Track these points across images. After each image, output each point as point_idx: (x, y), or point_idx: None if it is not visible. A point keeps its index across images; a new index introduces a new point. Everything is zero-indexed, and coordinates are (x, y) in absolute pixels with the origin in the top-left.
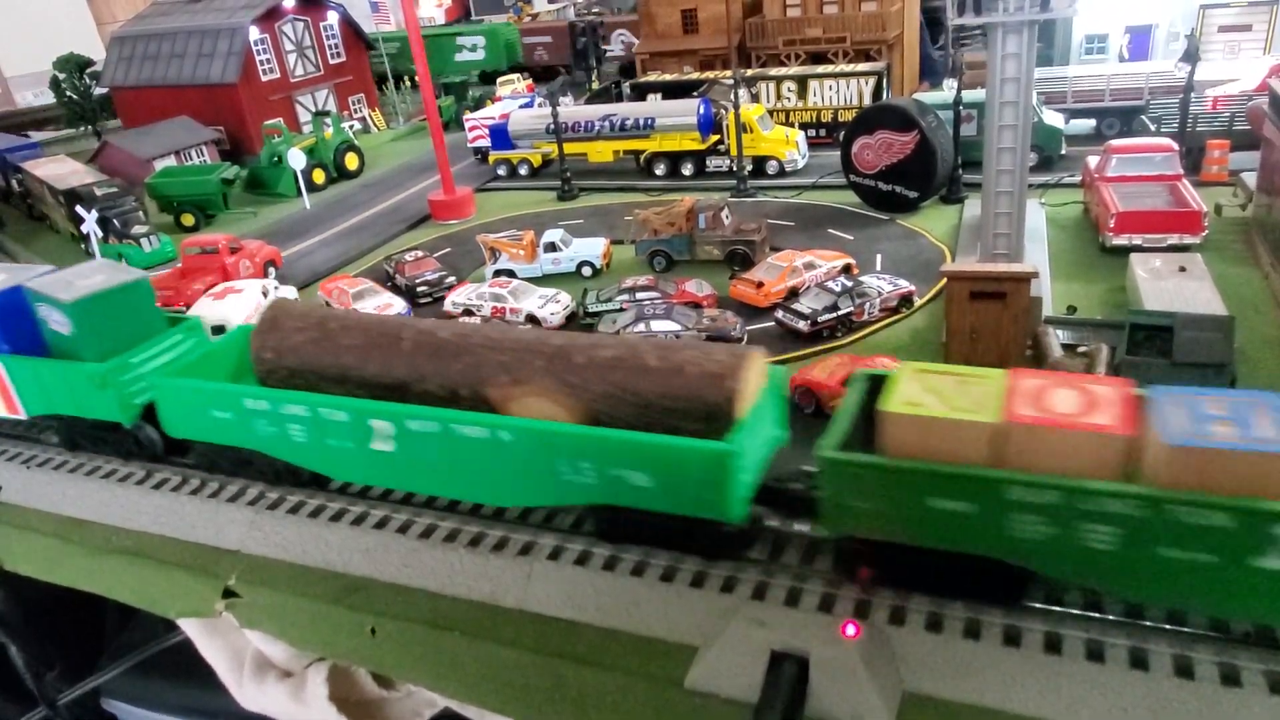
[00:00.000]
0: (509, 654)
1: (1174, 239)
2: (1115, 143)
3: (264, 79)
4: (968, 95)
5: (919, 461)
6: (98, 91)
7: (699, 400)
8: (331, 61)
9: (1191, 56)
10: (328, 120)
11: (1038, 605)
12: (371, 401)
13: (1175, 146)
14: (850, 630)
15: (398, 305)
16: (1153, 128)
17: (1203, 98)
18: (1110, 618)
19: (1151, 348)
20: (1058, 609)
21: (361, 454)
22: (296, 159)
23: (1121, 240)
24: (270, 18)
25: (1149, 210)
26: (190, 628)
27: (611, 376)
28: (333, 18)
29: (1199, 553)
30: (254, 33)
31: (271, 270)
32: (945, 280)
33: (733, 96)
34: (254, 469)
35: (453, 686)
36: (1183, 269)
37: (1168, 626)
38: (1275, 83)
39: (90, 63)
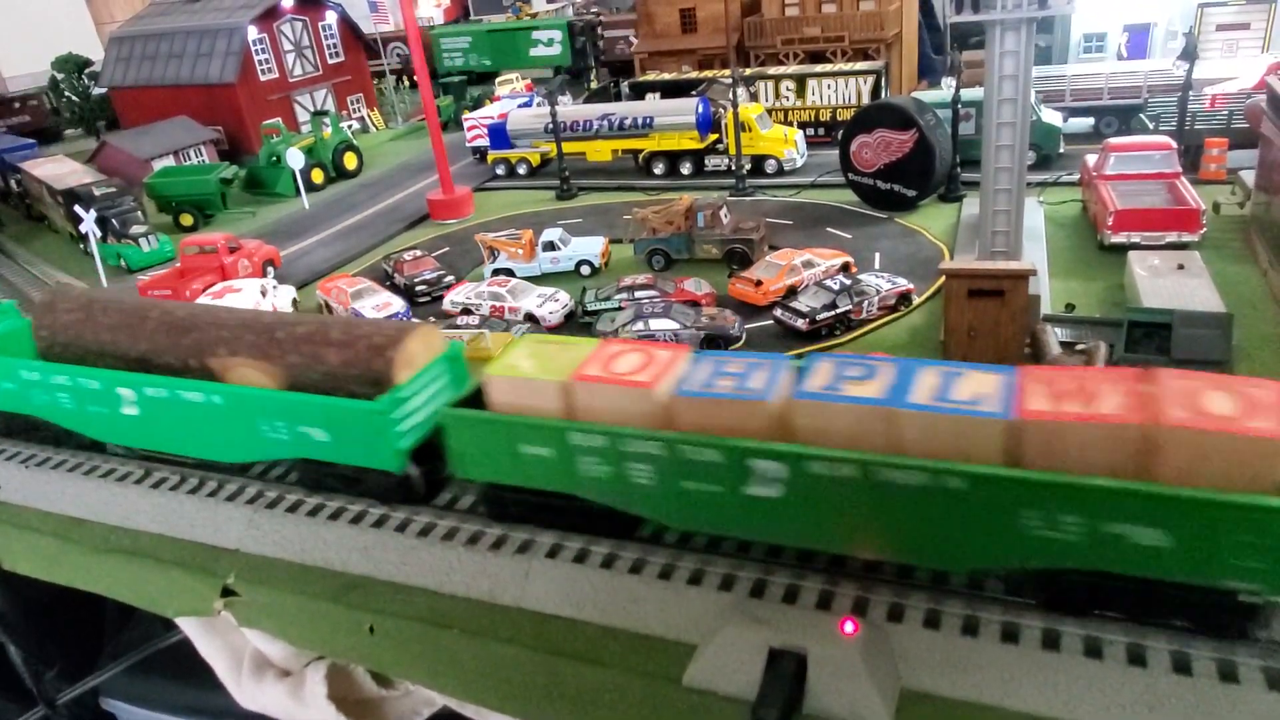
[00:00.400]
0: (507, 651)
1: (1172, 237)
2: (1113, 141)
3: (262, 79)
4: (966, 94)
5: (508, 415)
6: (96, 92)
7: (367, 368)
8: (330, 61)
9: (1190, 54)
10: (326, 120)
11: (1035, 602)
12: (117, 371)
13: (1173, 144)
14: (849, 627)
15: (396, 304)
16: (1151, 126)
17: (1201, 96)
18: (1109, 615)
19: (1150, 345)
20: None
21: (115, 417)
22: (295, 159)
23: (1120, 238)
24: (269, 17)
25: (1147, 208)
26: (189, 627)
27: (304, 349)
28: (331, 17)
29: (706, 484)
30: (252, 32)
31: (270, 270)
32: (944, 278)
33: (731, 95)
34: (39, 434)
35: (450, 684)
36: (1181, 266)
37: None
38: (1273, 81)
39: (89, 63)
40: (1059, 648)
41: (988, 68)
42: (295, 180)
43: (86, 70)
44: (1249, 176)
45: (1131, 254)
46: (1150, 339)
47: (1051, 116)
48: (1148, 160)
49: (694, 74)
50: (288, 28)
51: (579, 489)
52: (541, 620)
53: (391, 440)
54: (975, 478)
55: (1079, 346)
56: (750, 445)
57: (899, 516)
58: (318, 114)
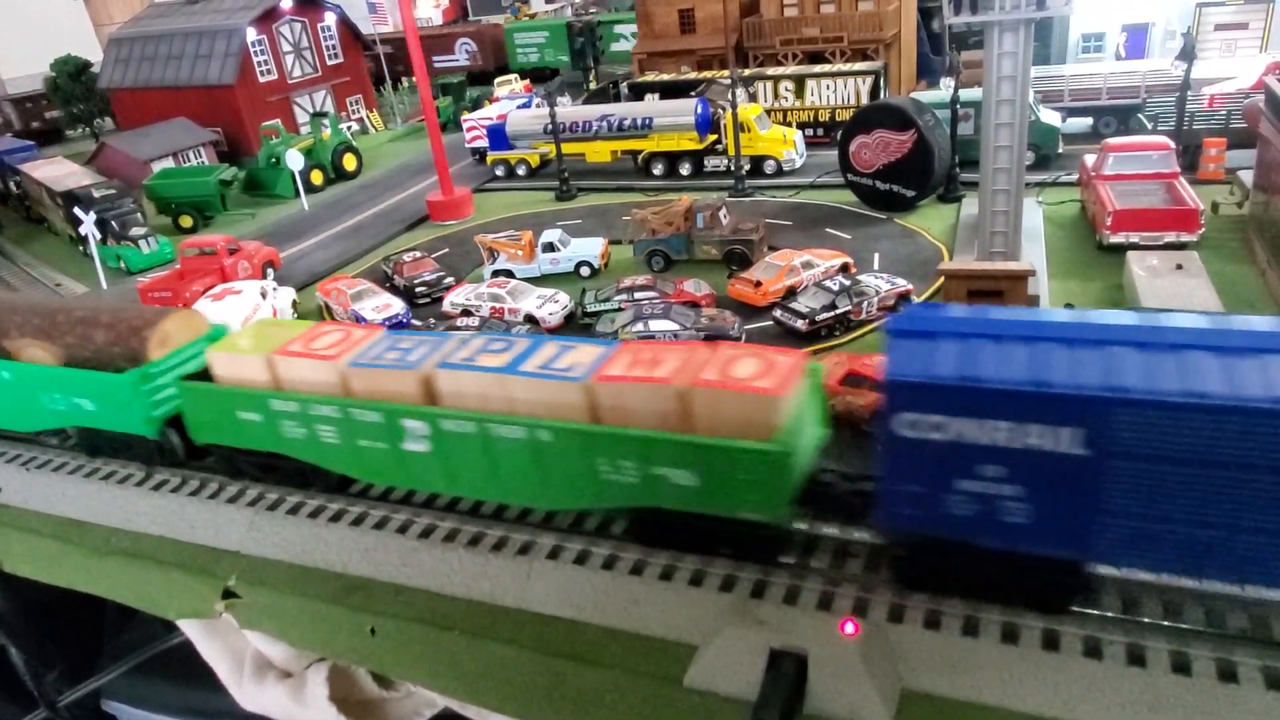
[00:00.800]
0: (508, 653)
1: (1171, 237)
2: (1112, 141)
3: (261, 80)
4: (964, 94)
5: (226, 386)
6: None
7: (126, 346)
8: (329, 62)
9: (1188, 54)
10: (325, 121)
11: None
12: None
13: (1172, 145)
14: (849, 628)
15: (396, 306)
16: (1149, 126)
17: (1199, 95)
18: (1109, 614)
19: None
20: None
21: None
22: (294, 160)
23: (1119, 238)
24: (268, 19)
25: (1146, 208)
26: (190, 629)
27: (78, 330)
28: (330, 19)
29: (375, 440)
30: (251, 34)
31: (270, 271)
32: (943, 279)
33: (730, 96)
34: None
35: (452, 685)
36: (1179, 267)
37: (1165, 624)
38: (1272, 81)
39: (88, 64)
40: (1059, 648)
41: (986, 69)
42: (295, 182)
43: (85, 72)
44: (1247, 176)
45: (1130, 254)
46: None
47: (1050, 116)
48: (1146, 160)
49: (693, 75)
50: (287, 29)
51: (285, 449)
52: (543, 621)
53: (146, 409)
54: (556, 430)
55: None
56: (399, 407)
57: (512, 465)
58: (317, 115)
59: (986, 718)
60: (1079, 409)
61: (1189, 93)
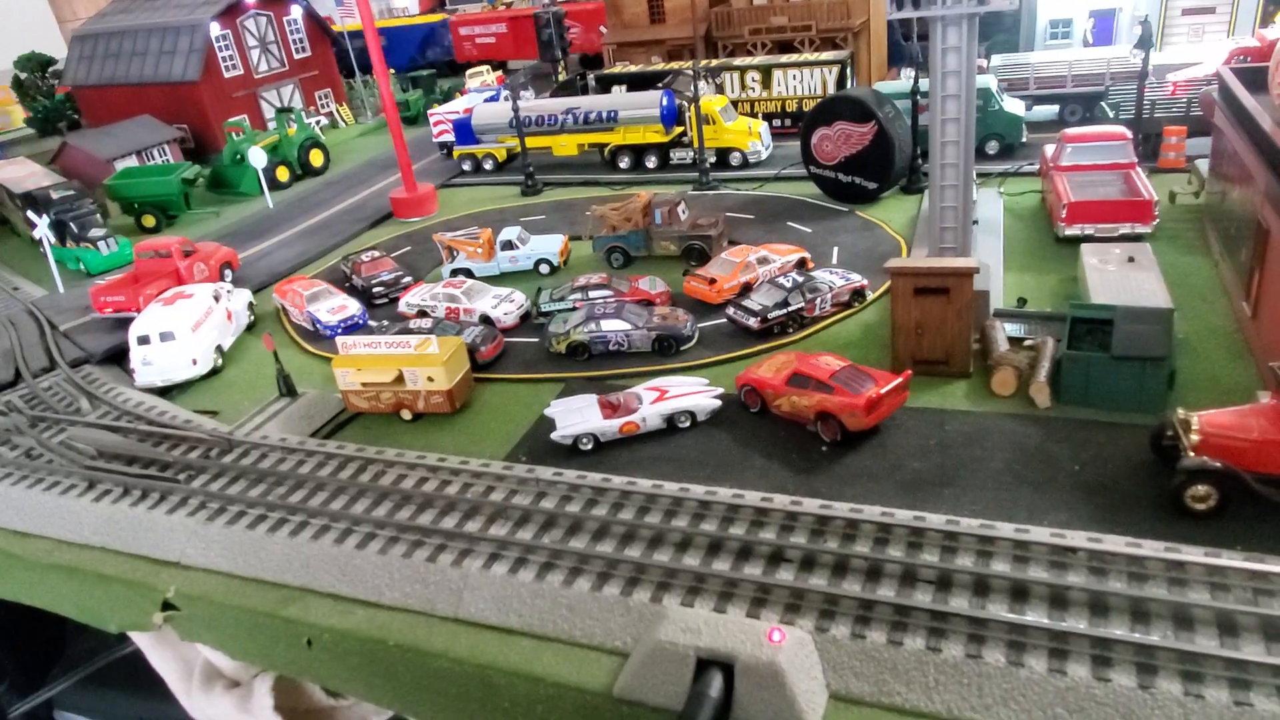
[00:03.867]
0: (442, 664)
1: (1126, 228)
2: (1070, 131)
3: (227, 76)
4: (925, 84)
5: None
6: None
7: None
8: (296, 56)
9: (1145, 43)
10: (291, 117)
11: (962, 613)
12: None
13: (1129, 134)
14: (776, 636)
15: (352, 307)
16: (1112, 114)
17: (1163, 82)
18: (1029, 621)
19: (1093, 341)
20: (981, 615)
21: None
22: (258, 158)
23: (1074, 230)
24: (232, 13)
25: (1101, 200)
26: (140, 639)
27: None
28: (296, 12)
29: None
30: (215, 29)
31: (228, 272)
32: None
33: (693, 89)
34: None
35: (388, 697)
36: (1132, 259)
37: (1085, 630)
38: (1224, 70)
39: (52, 61)
40: (981, 656)
41: (931, 64)
42: (259, 179)
43: (50, 69)
44: (1205, 165)
45: (1084, 246)
46: (1093, 335)
47: (1014, 105)
48: (1104, 150)
49: (660, 66)
50: (251, 23)
51: None
52: (477, 631)
53: None
54: None
55: (1027, 342)
56: None
57: None
58: (282, 111)
59: None
60: None
61: (1151, 80)
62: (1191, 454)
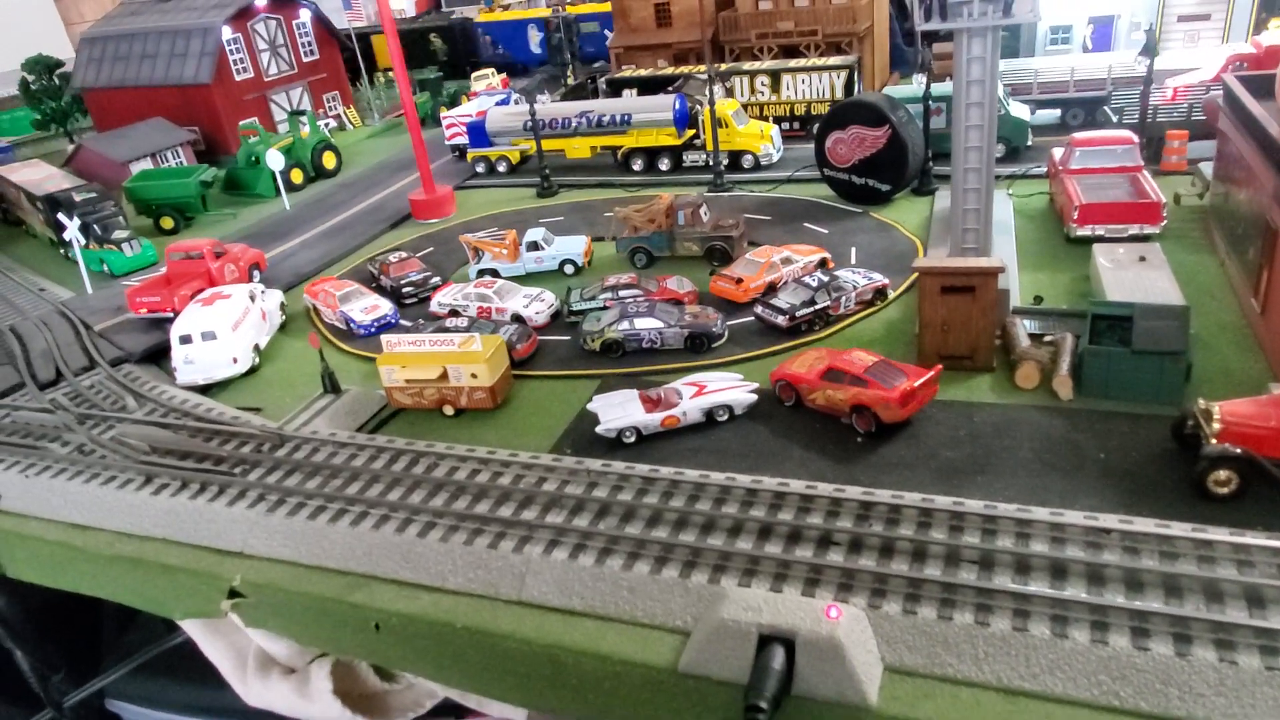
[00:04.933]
0: (509, 644)
1: (1135, 229)
2: (1078, 135)
3: (238, 79)
4: (936, 89)
5: None
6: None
7: None
8: (305, 59)
9: (1150, 50)
10: (304, 119)
11: (1007, 589)
12: None
13: (1135, 138)
14: (833, 613)
15: (384, 307)
16: (1114, 119)
17: (1163, 88)
18: (1069, 596)
19: (1113, 337)
20: (1025, 591)
21: None
22: (275, 160)
23: (1085, 231)
24: (242, 17)
25: (1110, 202)
26: (192, 629)
27: None
28: (305, 15)
29: None
30: (227, 32)
31: (256, 274)
32: (917, 275)
33: (707, 93)
34: None
35: (456, 677)
36: (1143, 259)
37: (1123, 604)
38: (1229, 78)
39: (60, 64)
40: (1027, 629)
41: (955, 73)
42: (275, 181)
43: (57, 71)
44: (1208, 168)
45: (1096, 247)
46: (1113, 331)
47: (1020, 110)
48: (1111, 154)
49: (670, 70)
50: (261, 26)
51: None
52: (541, 613)
53: None
54: None
55: (1047, 338)
56: None
57: None
58: (295, 113)
59: (961, 691)
60: None
61: (1152, 87)
62: (1214, 441)
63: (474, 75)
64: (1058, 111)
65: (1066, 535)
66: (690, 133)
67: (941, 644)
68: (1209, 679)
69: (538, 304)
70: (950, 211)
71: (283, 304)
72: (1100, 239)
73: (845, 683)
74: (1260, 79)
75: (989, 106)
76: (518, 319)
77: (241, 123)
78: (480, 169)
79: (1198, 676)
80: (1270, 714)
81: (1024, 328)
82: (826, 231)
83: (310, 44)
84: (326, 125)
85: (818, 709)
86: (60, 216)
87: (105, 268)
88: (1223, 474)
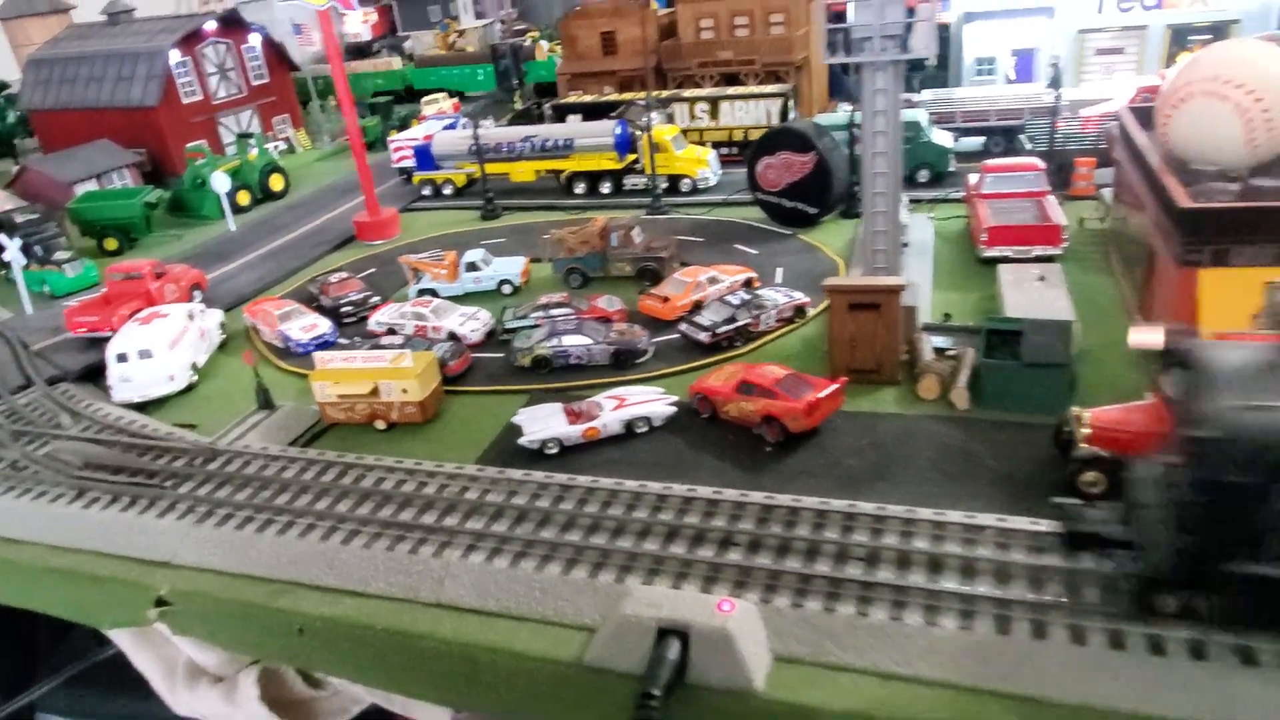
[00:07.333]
0: (429, 644)
1: (1039, 250)
2: (989, 162)
3: (186, 101)
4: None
5: None
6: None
7: None
8: (254, 83)
9: (1056, 83)
10: (252, 142)
11: (887, 583)
12: None
13: (1042, 165)
14: (726, 607)
15: (323, 326)
16: (1029, 146)
17: (1075, 117)
18: (944, 587)
19: (1005, 351)
20: (902, 584)
21: None
22: (220, 183)
23: (994, 252)
24: (191, 40)
25: (1017, 224)
26: (122, 640)
27: None
28: (255, 40)
29: None
30: (175, 56)
31: (197, 294)
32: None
33: (645, 119)
34: None
35: (377, 678)
36: (1042, 278)
37: (985, 592)
38: (1123, 110)
39: (5, 85)
40: (902, 619)
41: (863, 105)
42: (221, 203)
43: (4, 93)
44: (1110, 194)
45: (1001, 267)
46: (1006, 345)
47: (942, 137)
48: (1019, 180)
49: (614, 96)
50: (211, 50)
51: None
52: (459, 615)
53: None
54: None
55: (950, 352)
56: None
57: None
58: (242, 136)
59: (843, 677)
60: None
61: (1061, 116)
62: (1084, 445)
63: (424, 100)
64: (981, 139)
65: (945, 533)
66: (631, 157)
67: (826, 634)
68: (1061, 658)
69: (473, 322)
70: (862, 233)
71: (222, 323)
72: (1007, 259)
73: (735, 671)
74: (1146, 111)
75: (894, 135)
76: (453, 337)
77: (188, 145)
78: (426, 191)
79: (1051, 657)
80: (1111, 686)
81: (930, 342)
82: (756, 252)
83: (260, 68)
84: (276, 148)
85: (709, 696)
86: (1, 237)
87: (46, 288)
88: (1090, 475)
